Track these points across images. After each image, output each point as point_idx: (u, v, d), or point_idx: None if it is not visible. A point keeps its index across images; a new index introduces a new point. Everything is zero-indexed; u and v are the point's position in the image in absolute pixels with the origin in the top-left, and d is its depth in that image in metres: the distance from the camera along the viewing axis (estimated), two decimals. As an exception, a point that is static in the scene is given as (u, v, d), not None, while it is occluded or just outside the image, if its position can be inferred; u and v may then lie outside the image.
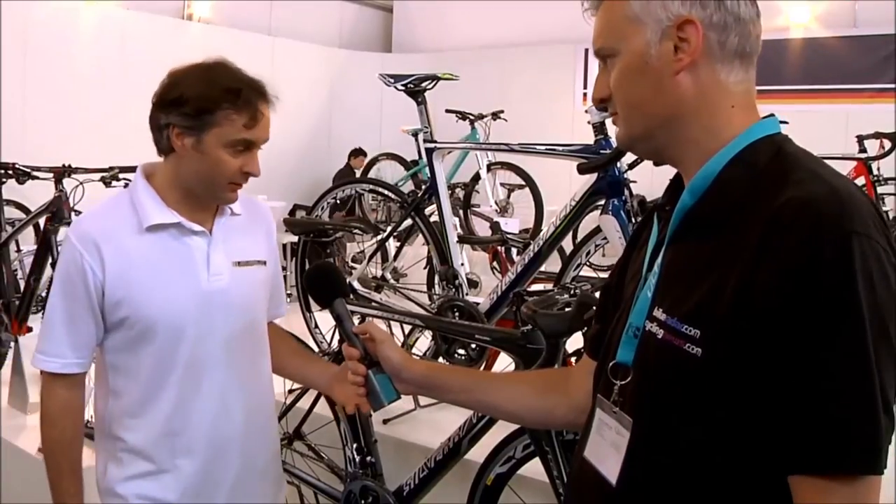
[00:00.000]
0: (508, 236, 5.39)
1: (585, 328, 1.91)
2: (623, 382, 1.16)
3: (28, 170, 4.94)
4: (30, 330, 4.15)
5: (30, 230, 5.59)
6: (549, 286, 2.82)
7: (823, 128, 7.93)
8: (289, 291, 8.75)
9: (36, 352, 1.85)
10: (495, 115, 8.32)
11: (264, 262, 1.98)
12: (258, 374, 2.00)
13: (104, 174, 4.99)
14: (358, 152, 10.41)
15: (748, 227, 1.01)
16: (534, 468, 2.18)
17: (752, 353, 0.98)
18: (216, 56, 1.84)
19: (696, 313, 1.04)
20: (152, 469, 1.84)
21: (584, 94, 10.25)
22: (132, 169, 4.16)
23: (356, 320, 2.67)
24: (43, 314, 1.87)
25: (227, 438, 1.88)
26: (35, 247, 4.72)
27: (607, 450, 1.17)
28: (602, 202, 2.70)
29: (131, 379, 1.84)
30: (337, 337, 1.94)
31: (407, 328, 3.18)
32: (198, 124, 1.74)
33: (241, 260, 1.91)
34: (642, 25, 1.12)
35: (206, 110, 1.74)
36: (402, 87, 3.32)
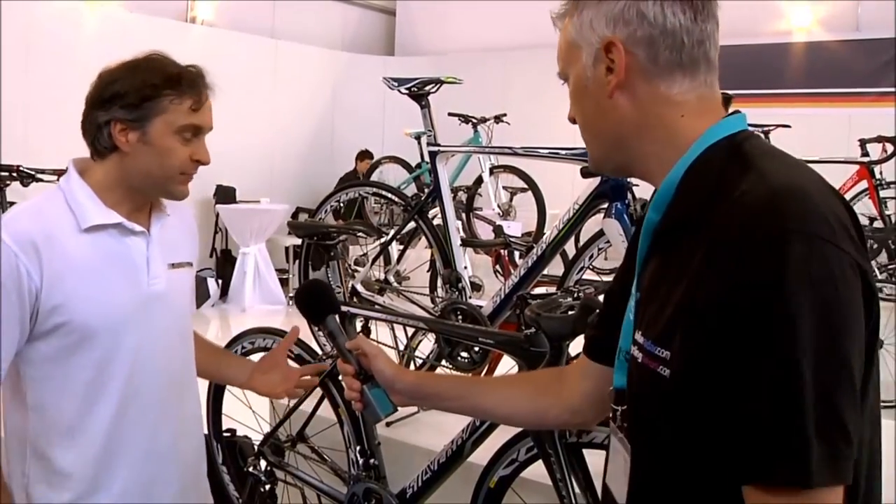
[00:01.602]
0: (511, 239, 5.38)
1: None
2: (622, 408, 1.16)
3: (32, 172, 4.96)
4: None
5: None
6: (553, 289, 2.82)
7: (826, 131, 7.94)
8: (290, 294, 8.83)
9: None
10: (498, 119, 8.32)
11: (191, 264, 1.95)
12: (191, 378, 1.96)
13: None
14: (364, 155, 10.37)
15: (701, 239, 0.99)
16: (537, 471, 2.18)
17: (702, 368, 0.96)
18: (149, 51, 1.79)
19: (665, 334, 1.02)
20: (88, 489, 1.74)
21: (587, 98, 10.25)
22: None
23: (358, 324, 2.70)
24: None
25: (164, 450, 1.83)
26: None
27: (619, 475, 1.18)
28: (605, 205, 2.70)
29: (62, 392, 1.71)
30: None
31: (410, 331, 3.18)
32: (142, 115, 1.69)
33: (174, 262, 1.87)
34: (580, 50, 1.13)
35: (148, 97, 1.69)
36: (406, 91, 3.32)
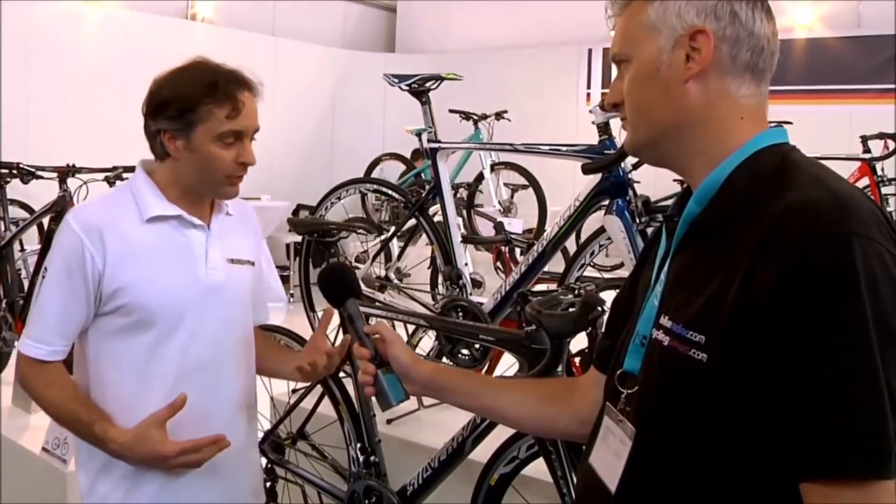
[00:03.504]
0: (512, 236, 5.38)
1: (589, 328, 1.91)
2: (630, 391, 1.17)
3: (32, 169, 4.95)
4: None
5: (33, 230, 5.59)
6: (553, 286, 2.81)
7: (827, 128, 7.92)
8: (291, 291, 8.83)
9: (24, 336, 1.83)
10: (499, 116, 8.31)
11: (252, 263, 2.01)
12: (245, 372, 2.01)
13: (108, 174, 5.01)
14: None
15: (750, 232, 1.02)
16: (538, 468, 2.18)
17: (756, 356, 0.98)
18: (195, 56, 1.87)
19: (701, 318, 1.05)
20: (137, 469, 1.82)
21: (588, 95, 10.25)
22: (135, 169, 4.17)
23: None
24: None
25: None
26: (39, 246, 4.73)
27: (610, 457, 1.18)
28: (606, 202, 2.70)
29: (120, 370, 1.83)
30: (339, 338, 1.96)
31: (410, 328, 3.18)
32: (184, 125, 1.79)
33: (234, 257, 1.95)
34: (657, 33, 1.14)
35: (188, 109, 1.78)
36: (406, 87, 3.32)
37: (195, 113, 1.77)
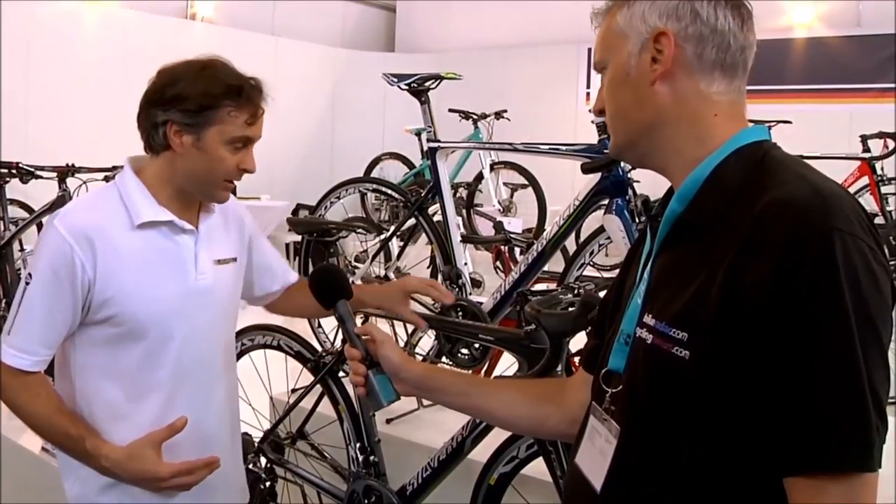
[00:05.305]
0: (512, 236, 5.38)
1: (589, 328, 1.91)
2: (614, 390, 1.18)
3: (31, 169, 4.97)
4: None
5: (33, 229, 5.60)
6: (553, 286, 2.81)
7: (827, 127, 7.93)
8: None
9: (5, 345, 1.73)
10: (498, 115, 8.32)
11: (235, 259, 2.00)
12: (230, 373, 2.02)
13: (107, 173, 5.02)
14: None
15: (733, 229, 1.03)
16: (537, 468, 2.18)
17: (739, 352, 0.99)
18: (210, 54, 1.84)
19: (684, 316, 1.06)
20: None
21: (588, 94, 10.25)
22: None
23: (359, 319, 2.69)
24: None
25: (207, 439, 1.87)
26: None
27: (596, 456, 1.19)
28: (605, 202, 2.70)
29: (110, 378, 1.77)
30: (340, 337, 1.97)
31: (410, 328, 3.17)
32: (199, 121, 1.74)
33: (220, 258, 1.93)
34: (626, 38, 1.16)
35: (208, 106, 1.73)
36: (406, 87, 3.32)
37: (214, 112, 1.73)
